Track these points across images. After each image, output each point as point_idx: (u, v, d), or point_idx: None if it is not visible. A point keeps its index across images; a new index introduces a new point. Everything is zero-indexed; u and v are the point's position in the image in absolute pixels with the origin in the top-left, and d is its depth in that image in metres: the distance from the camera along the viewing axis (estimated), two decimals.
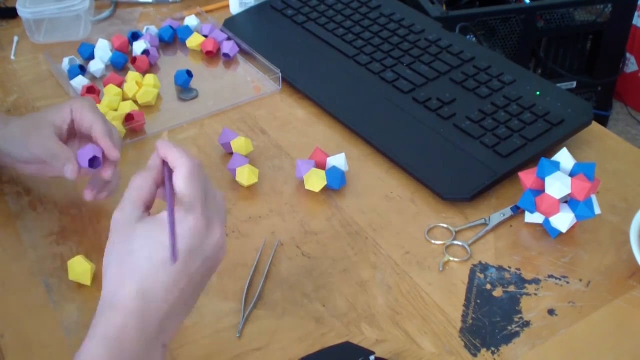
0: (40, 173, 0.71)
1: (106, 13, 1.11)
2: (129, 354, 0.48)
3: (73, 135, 0.70)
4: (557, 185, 0.65)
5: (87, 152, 0.66)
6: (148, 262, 0.49)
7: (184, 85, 0.91)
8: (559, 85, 1.42)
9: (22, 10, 0.99)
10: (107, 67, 0.96)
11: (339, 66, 0.92)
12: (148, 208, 0.53)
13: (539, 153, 0.75)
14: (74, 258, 0.65)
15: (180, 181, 0.51)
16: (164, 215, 0.50)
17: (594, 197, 0.67)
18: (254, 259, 0.67)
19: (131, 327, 0.48)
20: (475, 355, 0.58)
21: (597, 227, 0.70)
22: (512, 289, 0.64)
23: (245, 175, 0.74)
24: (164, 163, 0.53)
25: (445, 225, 0.71)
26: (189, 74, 0.91)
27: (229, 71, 0.97)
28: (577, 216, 0.66)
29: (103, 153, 0.66)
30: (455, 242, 0.69)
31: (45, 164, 0.68)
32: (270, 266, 0.66)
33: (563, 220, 0.66)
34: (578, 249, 0.68)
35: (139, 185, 0.52)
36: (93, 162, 0.66)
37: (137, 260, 0.49)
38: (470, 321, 0.61)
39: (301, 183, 0.76)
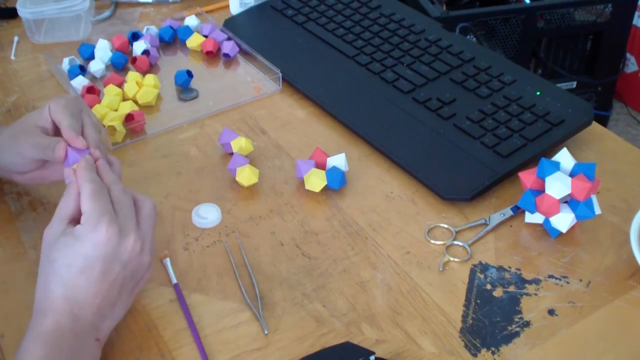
0: (38, 180, 0.71)
1: (106, 13, 1.11)
2: (65, 347, 0.54)
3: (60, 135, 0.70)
4: (557, 185, 0.65)
5: (71, 157, 0.65)
6: (67, 270, 0.55)
7: (184, 85, 0.91)
8: (559, 85, 1.42)
9: (22, 10, 0.99)
10: (107, 67, 0.96)
11: (339, 66, 0.92)
12: (76, 221, 0.58)
13: (539, 153, 0.75)
14: None
15: (85, 202, 0.57)
16: (79, 227, 0.56)
17: (594, 197, 0.67)
18: (254, 259, 0.67)
19: (63, 324, 0.54)
20: (475, 355, 0.58)
21: (597, 227, 0.70)
22: (512, 289, 0.64)
23: (246, 175, 0.74)
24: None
25: (445, 225, 0.71)
26: (189, 74, 0.91)
27: (229, 71, 0.97)
28: (577, 216, 0.66)
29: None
30: (455, 242, 0.69)
31: (40, 169, 0.68)
32: (270, 266, 0.66)
33: (563, 220, 0.66)
34: (578, 249, 0.68)
35: (64, 202, 0.59)
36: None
37: (58, 268, 0.55)
38: (470, 321, 0.61)
39: (301, 183, 0.76)
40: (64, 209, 0.58)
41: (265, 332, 0.60)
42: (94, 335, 0.56)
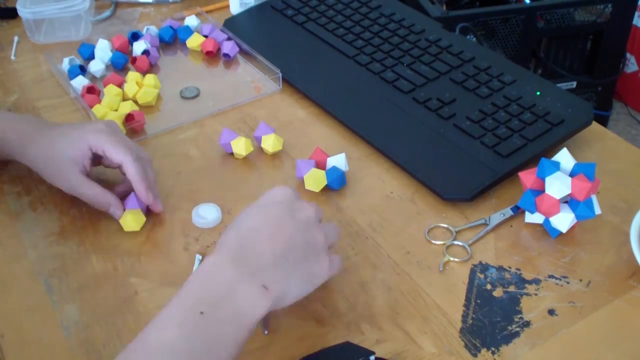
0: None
1: (106, 13, 1.11)
2: (220, 281, 0.51)
3: (97, 162, 0.73)
4: (557, 185, 0.65)
5: (131, 202, 0.71)
6: (244, 217, 0.57)
7: (170, 40, 1.00)
8: (559, 85, 1.42)
9: (22, 10, 0.99)
10: (107, 67, 0.96)
11: (339, 66, 0.92)
12: None
13: (539, 153, 0.75)
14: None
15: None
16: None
17: (594, 197, 0.67)
18: None
19: (223, 260, 0.53)
20: (475, 355, 0.58)
21: (597, 227, 0.70)
22: (512, 289, 0.64)
23: (271, 142, 0.78)
24: None
25: (445, 225, 0.71)
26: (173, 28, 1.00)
27: (229, 71, 0.97)
28: (577, 216, 0.66)
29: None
30: (455, 242, 0.69)
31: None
32: None
33: (563, 220, 0.66)
34: (578, 249, 0.68)
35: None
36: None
37: (238, 221, 0.57)
38: (470, 321, 0.61)
39: (301, 183, 0.76)
40: None
41: (265, 333, 0.60)
42: (260, 280, 0.52)
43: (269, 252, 0.54)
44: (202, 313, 0.49)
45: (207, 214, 0.71)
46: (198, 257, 0.66)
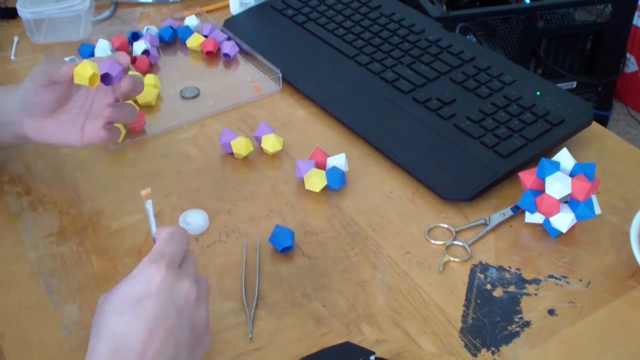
0: (52, 138, 0.71)
1: (106, 13, 1.11)
2: None
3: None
4: (557, 185, 0.65)
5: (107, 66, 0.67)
6: (115, 316, 0.48)
7: (170, 40, 1.00)
8: (559, 85, 1.42)
9: (22, 10, 0.99)
10: None
11: (339, 66, 0.92)
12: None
13: (539, 153, 0.75)
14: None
15: (158, 241, 0.52)
16: (136, 268, 0.50)
17: (594, 197, 0.67)
18: (254, 259, 0.67)
19: None
20: (475, 355, 0.58)
21: (597, 227, 0.70)
22: (512, 289, 0.64)
23: (271, 142, 0.78)
24: None
25: (445, 225, 0.71)
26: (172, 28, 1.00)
27: (229, 71, 0.97)
28: (577, 216, 0.66)
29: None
30: (455, 242, 0.69)
31: (54, 119, 0.70)
32: (270, 266, 0.66)
33: (563, 220, 0.66)
34: (578, 249, 0.68)
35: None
36: (105, 78, 0.67)
37: (105, 318, 0.48)
38: (470, 321, 0.61)
39: (301, 183, 0.76)
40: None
41: (250, 336, 0.60)
42: None
43: (141, 349, 0.46)
44: None
45: (193, 220, 0.71)
46: (149, 203, 0.59)
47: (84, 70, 0.65)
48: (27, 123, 0.71)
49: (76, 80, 0.65)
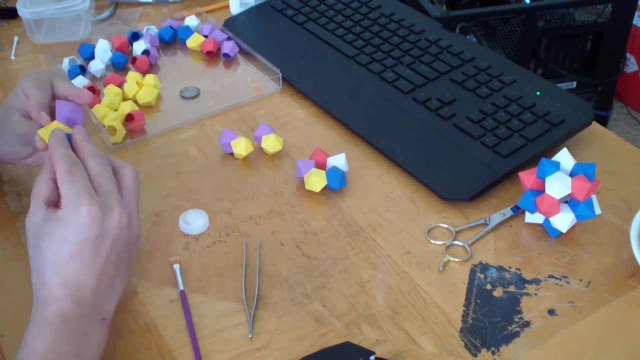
0: (40, 162, 0.71)
1: (106, 13, 1.11)
2: (71, 332, 0.53)
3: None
4: (557, 185, 0.65)
5: (62, 110, 0.66)
6: (57, 257, 0.54)
7: (170, 40, 1.00)
8: (559, 85, 1.42)
9: (22, 10, 0.99)
10: (107, 67, 0.96)
11: (339, 66, 0.92)
12: (54, 204, 0.57)
13: (539, 153, 0.75)
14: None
15: (61, 185, 0.55)
16: (60, 212, 0.54)
17: (594, 197, 0.67)
18: (254, 259, 0.67)
19: (66, 310, 0.53)
20: (475, 355, 0.58)
21: (597, 227, 0.70)
22: (512, 289, 0.64)
23: (271, 142, 0.78)
24: None
25: (445, 225, 0.71)
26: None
27: (229, 71, 0.97)
28: (577, 216, 0.66)
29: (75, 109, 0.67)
30: (455, 242, 0.69)
31: (36, 153, 0.70)
32: (270, 266, 0.66)
33: (563, 220, 0.66)
34: (578, 249, 0.68)
35: (38, 187, 0.57)
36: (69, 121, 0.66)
37: (48, 257, 0.54)
38: (470, 321, 0.61)
39: (301, 183, 0.76)
40: (39, 193, 0.57)
41: (250, 337, 0.60)
42: (99, 315, 0.56)
43: (98, 288, 0.55)
44: None
45: (193, 220, 0.71)
46: (176, 267, 0.66)
47: (46, 133, 0.63)
48: (18, 162, 0.71)
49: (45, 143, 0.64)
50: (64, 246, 0.54)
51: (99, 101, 0.86)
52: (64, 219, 0.54)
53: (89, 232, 0.54)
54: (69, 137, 0.60)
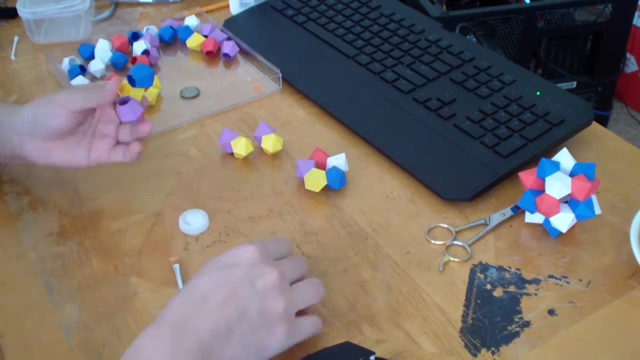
0: (57, 161, 0.70)
1: (106, 13, 1.11)
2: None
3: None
4: (557, 185, 0.65)
5: (130, 108, 0.69)
6: (193, 285, 0.52)
7: (170, 40, 1.01)
8: (559, 85, 1.42)
9: (22, 10, 0.99)
10: (107, 67, 0.96)
11: (339, 66, 0.92)
12: None
13: (539, 153, 0.75)
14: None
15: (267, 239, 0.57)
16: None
17: (594, 197, 0.67)
18: None
19: (160, 336, 0.49)
20: (475, 355, 0.58)
21: (597, 227, 0.70)
22: (512, 289, 0.64)
23: (271, 142, 0.78)
24: None
25: (445, 225, 0.71)
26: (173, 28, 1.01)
27: (229, 71, 0.97)
28: (577, 216, 0.66)
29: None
30: (455, 242, 0.69)
31: (61, 140, 0.69)
32: None
33: (563, 220, 0.66)
34: (578, 249, 0.68)
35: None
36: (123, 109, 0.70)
37: (194, 278, 0.53)
38: (470, 321, 0.61)
39: (301, 183, 0.76)
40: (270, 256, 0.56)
41: None
42: (200, 356, 0.49)
43: (210, 325, 0.50)
44: None
45: (193, 220, 0.71)
46: (176, 267, 0.66)
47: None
48: (29, 144, 0.69)
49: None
50: (211, 270, 0.53)
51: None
52: (228, 250, 0.55)
53: (237, 261, 0.54)
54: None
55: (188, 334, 0.49)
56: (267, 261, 0.54)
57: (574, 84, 1.76)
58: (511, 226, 0.71)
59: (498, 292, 0.64)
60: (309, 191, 0.75)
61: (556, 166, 0.66)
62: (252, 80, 0.94)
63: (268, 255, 0.55)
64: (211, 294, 0.51)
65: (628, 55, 2.20)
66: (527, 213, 0.70)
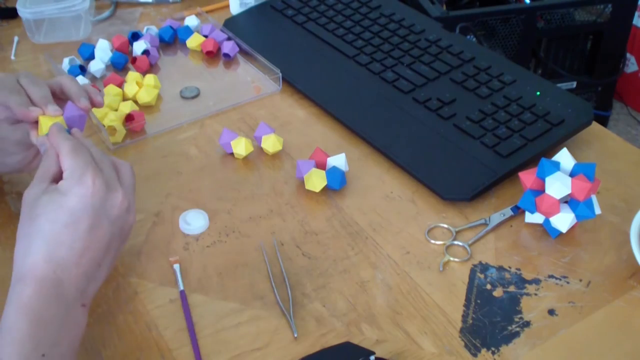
0: (26, 166, 0.70)
1: (106, 13, 1.11)
2: (50, 318, 0.50)
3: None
4: (557, 185, 0.65)
5: (70, 111, 0.65)
6: (51, 225, 0.52)
7: (170, 40, 1.00)
8: (559, 85, 1.42)
9: (22, 10, 0.99)
10: (107, 67, 0.96)
11: (339, 66, 0.92)
12: (57, 180, 0.55)
13: (539, 153, 0.75)
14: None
15: (65, 159, 0.55)
16: (63, 182, 0.54)
17: (594, 197, 0.67)
18: (254, 259, 0.67)
19: (46, 292, 0.51)
20: (475, 355, 0.58)
21: (597, 227, 0.70)
22: (512, 289, 0.64)
23: (271, 142, 0.78)
24: None
25: (445, 225, 0.71)
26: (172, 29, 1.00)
27: (229, 71, 0.97)
28: (577, 216, 0.66)
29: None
30: (455, 242, 0.69)
31: (26, 151, 0.68)
32: (270, 266, 0.66)
33: (563, 220, 0.66)
34: (578, 249, 0.68)
35: (43, 164, 0.56)
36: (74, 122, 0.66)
37: (41, 225, 0.52)
38: (470, 321, 0.61)
39: (301, 183, 0.76)
40: (44, 170, 0.56)
41: (295, 335, 0.59)
42: (80, 301, 0.53)
43: (83, 270, 0.53)
44: (43, 355, 0.49)
45: (193, 220, 0.71)
46: (176, 267, 0.66)
47: (46, 122, 0.63)
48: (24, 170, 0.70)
49: (40, 133, 0.63)
50: (61, 214, 0.52)
51: (102, 105, 0.86)
52: (67, 188, 0.53)
53: (90, 203, 0.53)
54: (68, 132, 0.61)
55: (67, 288, 0.52)
56: (109, 188, 0.55)
57: (574, 84, 1.76)
58: (511, 226, 0.71)
59: (498, 292, 0.64)
60: (309, 191, 0.75)
61: (556, 166, 0.66)
62: (252, 80, 0.94)
63: (102, 176, 0.55)
64: (72, 243, 0.53)
65: (628, 55, 2.20)
66: (527, 213, 0.70)
